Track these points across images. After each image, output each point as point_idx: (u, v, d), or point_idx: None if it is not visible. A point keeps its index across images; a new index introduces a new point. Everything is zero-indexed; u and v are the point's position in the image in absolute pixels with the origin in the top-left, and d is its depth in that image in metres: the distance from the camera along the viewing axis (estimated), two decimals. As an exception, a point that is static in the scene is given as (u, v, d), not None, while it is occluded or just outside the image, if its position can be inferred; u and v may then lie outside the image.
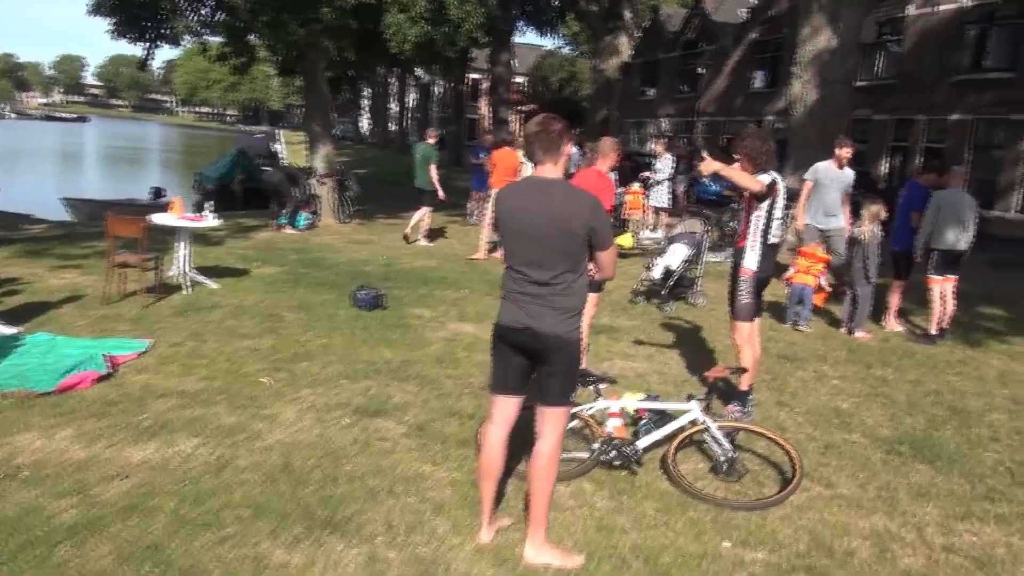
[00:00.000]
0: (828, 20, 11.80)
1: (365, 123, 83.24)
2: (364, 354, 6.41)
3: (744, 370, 5.28)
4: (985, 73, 20.59)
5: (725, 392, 5.68)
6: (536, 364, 3.38)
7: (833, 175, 8.88)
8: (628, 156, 18.12)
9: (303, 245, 12.23)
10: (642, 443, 4.48)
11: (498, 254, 11.71)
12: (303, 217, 14.13)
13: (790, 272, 8.46)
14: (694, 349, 7.19)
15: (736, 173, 4.99)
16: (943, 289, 7.76)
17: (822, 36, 11.88)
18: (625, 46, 20.55)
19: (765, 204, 5.10)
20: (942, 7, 21.71)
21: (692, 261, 9.07)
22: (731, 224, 13.07)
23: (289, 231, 13.66)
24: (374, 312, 7.84)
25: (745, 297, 5.28)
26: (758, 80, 30.67)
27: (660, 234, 14.58)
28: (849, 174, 8.94)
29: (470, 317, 7.97)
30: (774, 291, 8.40)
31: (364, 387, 5.59)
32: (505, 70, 30.89)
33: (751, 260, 5.24)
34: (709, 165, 4.96)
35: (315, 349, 6.48)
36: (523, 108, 49.77)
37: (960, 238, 7.63)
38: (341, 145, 42.34)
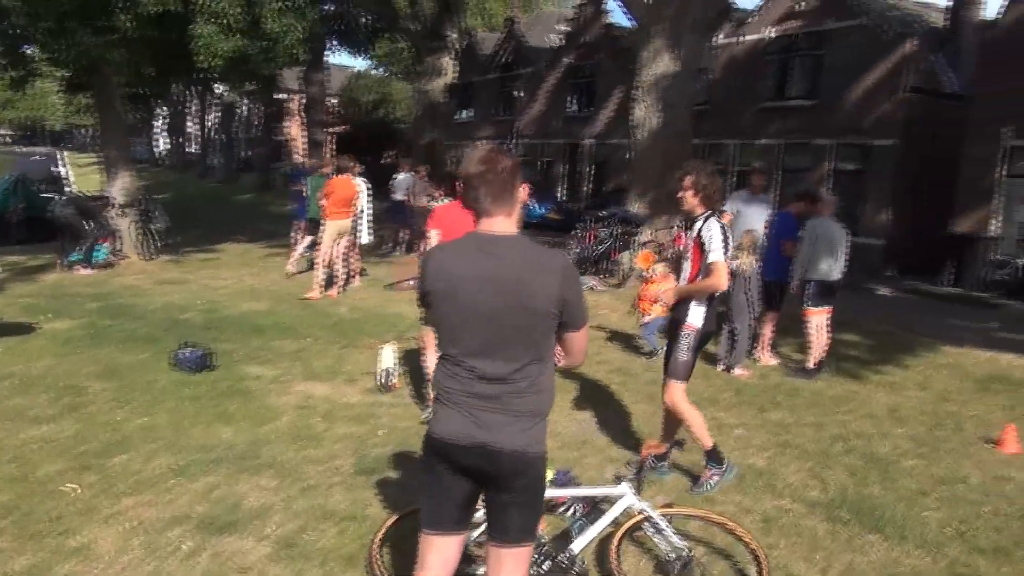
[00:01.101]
0: (669, 44, 11.68)
1: (161, 144, 77.72)
2: (198, 435, 5.16)
3: (681, 443, 4.67)
4: (788, 101, 21.73)
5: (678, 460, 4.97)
6: (488, 491, 2.46)
7: (752, 204, 8.51)
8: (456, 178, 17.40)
9: (103, 289, 10.46)
10: (578, 545, 3.65)
11: (333, 292, 10.56)
12: (101, 250, 12.22)
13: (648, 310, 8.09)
14: (585, 401, 6.48)
15: (699, 286, 4.56)
16: (820, 321, 7.56)
17: (663, 60, 11.74)
18: (449, 67, 19.92)
19: None
20: (746, 37, 22.76)
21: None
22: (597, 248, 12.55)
23: (84, 271, 11.74)
24: (202, 375, 6.54)
25: (685, 354, 4.62)
26: (574, 104, 31.09)
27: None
28: (766, 200, 8.66)
29: (319, 374, 6.84)
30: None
31: (206, 487, 4.38)
32: (319, 90, 29.42)
33: (696, 315, 4.61)
34: (671, 293, 4.70)
35: (133, 433, 5.15)
36: (335, 130, 48.09)
37: (834, 268, 7.46)
38: (136, 168, 38.88)
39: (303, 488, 4.44)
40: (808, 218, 7.74)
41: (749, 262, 7.42)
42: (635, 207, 12.29)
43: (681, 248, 4.80)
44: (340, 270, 10.92)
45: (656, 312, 7.70)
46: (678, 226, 12.77)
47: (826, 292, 7.53)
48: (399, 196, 15.78)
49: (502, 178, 2.41)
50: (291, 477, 4.58)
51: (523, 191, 2.52)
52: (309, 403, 6.02)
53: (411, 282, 11.48)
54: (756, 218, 8.41)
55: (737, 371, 7.52)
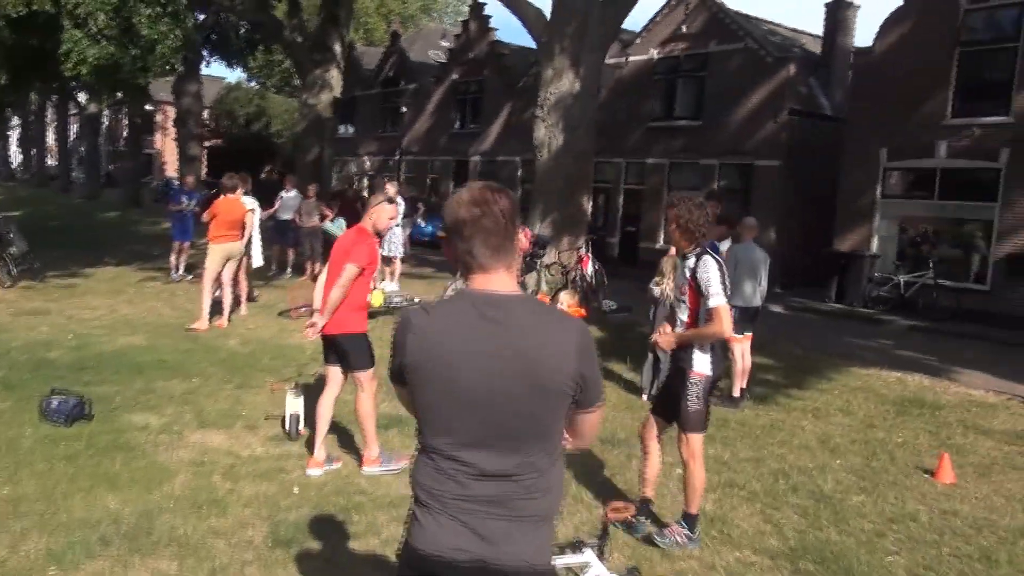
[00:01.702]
0: (570, 63, 11.46)
1: (14, 156, 72.50)
2: (77, 507, 4.40)
3: (649, 503, 4.39)
4: (675, 121, 22.12)
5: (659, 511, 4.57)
6: None
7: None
8: (357, 198, 16.72)
9: (-51, 323, 9.24)
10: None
11: (221, 321, 9.72)
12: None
13: None
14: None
15: (700, 333, 4.25)
16: (743, 347, 7.41)
17: (565, 79, 11.51)
18: (336, 80, 19.13)
19: None
20: (632, 58, 23.06)
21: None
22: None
23: (-75, 302, 10.40)
24: (77, 427, 5.69)
25: (696, 403, 4.26)
26: (461, 120, 30.78)
27: (395, 286, 13.43)
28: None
29: (214, 420, 6.11)
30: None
31: (91, 576, 3.67)
32: (194, 102, 27.91)
33: (703, 362, 4.26)
34: (669, 340, 4.36)
35: (-5, 508, 4.34)
36: (209, 144, 46.03)
37: (756, 292, 7.33)
38: (-15, 183, 36.04)
39: (211, 570, 3.79)
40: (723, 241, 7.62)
41: (672, 287, 7.18)
42: (538, 228, 11.99)
43: (677, 291, 4.47)
44: (228, 297, 10.07)
45: None
46: (583, 247, 12.65)
47: (748, 317, 7.39)
48: (286, 215, 14.95)
49: (501, 224, 1.93)
50: (195, 556, 3.91)
51: (523, 237, 2.07)
52: (207, 458, 5.31)
53: (306, 308, 10.76)
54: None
55: (662, 401, 7.26)
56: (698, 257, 4.23)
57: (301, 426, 5.81)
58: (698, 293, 4.19)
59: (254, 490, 4.79)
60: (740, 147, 20.34)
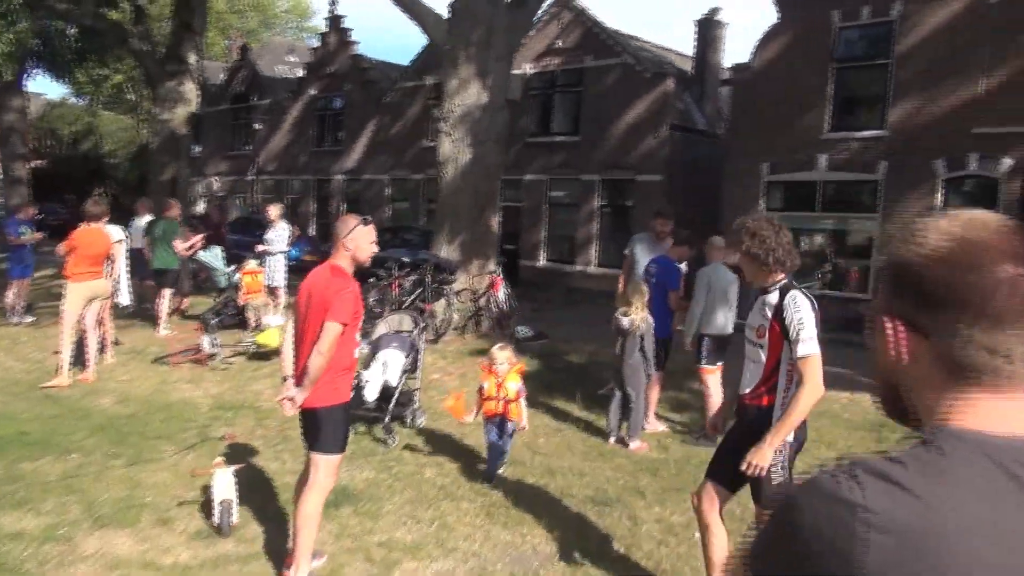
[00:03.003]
0: (477, 72, 10.59)
1: None
2: None
3: None
4: (553, 136, 21.69)
5: None
6: None
7: (652, 250, 7.50)
8: (223, 222, 15.11)
9: None
10: None
11: (86, 375, 8.12)
12: None
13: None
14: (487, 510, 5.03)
15: (801, 406, 3.33)
16: (717, 379, 6.73)
17: (472, 89, 10.62)
18: (192, 93, 17.36)
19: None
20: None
21: (410, 370, 6.86)
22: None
23: None
24: (-77, 544, 4.22)
25: (781, 474, 3.44)
26: (322, 138, 29.22)
27: (282, 318, 12.02)
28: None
29: (110, 515, 4.75)
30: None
31: None
32: (19, 118, 24.93)
33: None
34: (764, 454, 3.34)
35: None
36: (31, 165, 41.79)
37: (728, 320, 6.69)
38: None
39: None
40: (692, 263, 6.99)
41: (643, 317, 6.43)
42: (444, 251, 11.00)
43: (752, 333, 3.61)
44: (92, 345, 8.45)
45: (515, 413, 5.52)
46: (495, 271, 11.74)
47: (722, 347, 6.74)
48: (137, 244, 13.13)
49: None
50: None
51: None
52: (116, 573, 4.01)
53: (189, 353, 9.27)
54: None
55: (633, 445, 6.47)
56: (784, 292, 3.44)
57: (234, 516, 4.58)
58: (784, 337, 3.40)
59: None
60: (621, 162, 20.13)
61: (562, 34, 21.13)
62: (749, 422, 3.53)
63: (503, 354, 5.56)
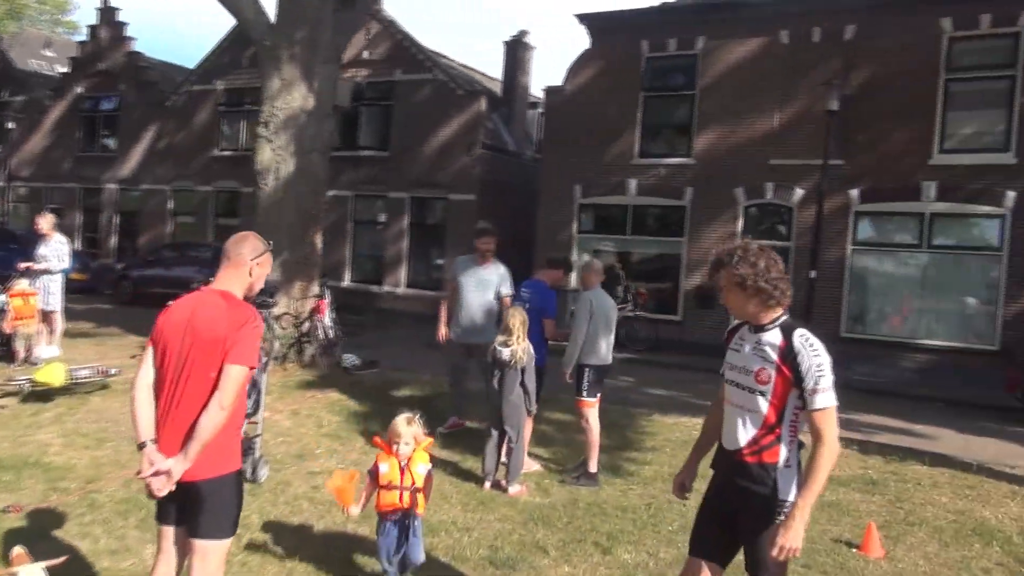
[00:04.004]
0: (302, 74, 9.58)
1: None
2: None
3: None
4: (359, 151, 20.69)
5: None
6: None
7: (478, 273, 6.94)
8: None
9: None
10: None
11: None
12: None
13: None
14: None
15: (821, 471, 2.83)
16: (596, 412, 6.27)
17: (296, 93, 9.60)
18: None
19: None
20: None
21: (250, 413, 5.79)
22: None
23: None
24: None
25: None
26: (91, 142, 26.16)
27: (57, 350, 10.22)
28: (499, 271, 7.06)
29: None
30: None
31: None
32: None
33: (790, 482, 2.91)
34: (796, 533, 2.80)
35: None
36: None
37: (610, 348, 6.26)
38: None
39: None
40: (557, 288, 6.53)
41: (524, 348, 5.84)
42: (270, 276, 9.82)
43: (750, 378, 3.02)
44: None
45: (422, 506, 4.09)
46: (321, 293, 10.66)
47: (601, 378, 6.29)
48: None
49: None
50: None
51: None
52: None
53: (24, 382, 7.60)
54: (483, 291, 6.97)
55: (513, 490, 5.84)
56: (788, 331, 2.93)
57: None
58: (795, 385, 2.90)
59: None
60: (432, 180, 19.57)
61: (370, 45, 20.26)
62: (746, 483, 2.99)
63: (409, 430, 4.03)
